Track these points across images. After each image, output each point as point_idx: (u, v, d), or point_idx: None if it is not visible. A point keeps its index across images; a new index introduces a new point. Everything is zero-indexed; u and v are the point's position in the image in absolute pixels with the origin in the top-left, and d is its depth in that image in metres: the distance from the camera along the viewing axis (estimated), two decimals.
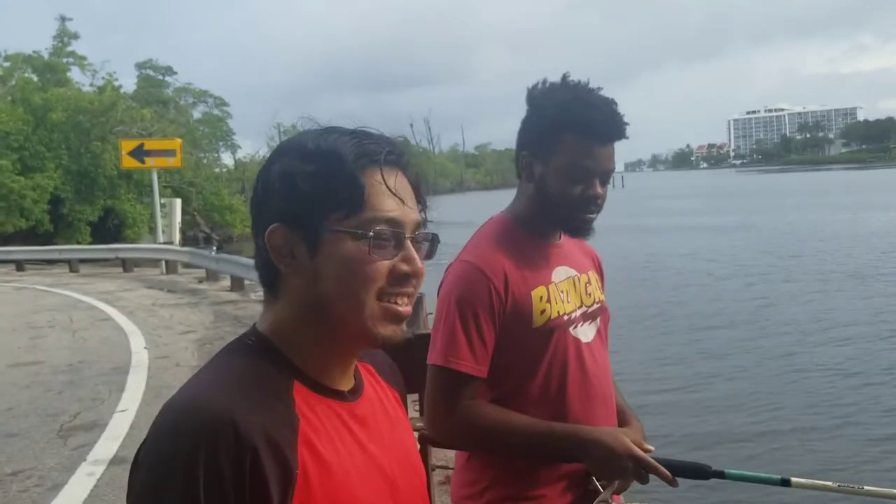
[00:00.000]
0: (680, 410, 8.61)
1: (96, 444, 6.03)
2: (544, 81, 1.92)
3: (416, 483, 1.21)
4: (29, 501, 5.01)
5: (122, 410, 6.97)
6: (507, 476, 1.89)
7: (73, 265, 22.27)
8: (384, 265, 1.05)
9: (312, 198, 1.05)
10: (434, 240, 1.14)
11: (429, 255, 1.14)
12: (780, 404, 8.71)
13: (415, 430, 2.14)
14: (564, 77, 1.90)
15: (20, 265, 23.31)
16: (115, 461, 5.57)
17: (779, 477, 1.79)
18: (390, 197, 1.06)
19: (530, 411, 1.85)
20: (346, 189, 1.04)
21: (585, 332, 1.98)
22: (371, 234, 1.04)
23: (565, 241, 2.02)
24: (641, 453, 1.80)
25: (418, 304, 8.31)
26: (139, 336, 10.80)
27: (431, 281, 1.98)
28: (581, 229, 1.94)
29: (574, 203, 1.87)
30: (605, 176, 1.90)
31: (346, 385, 1.13)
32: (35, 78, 34.20)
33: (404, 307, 1.08)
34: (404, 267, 1.07)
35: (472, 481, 1.94)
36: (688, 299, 15.83)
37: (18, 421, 6.87)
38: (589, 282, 2.05)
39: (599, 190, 1.89)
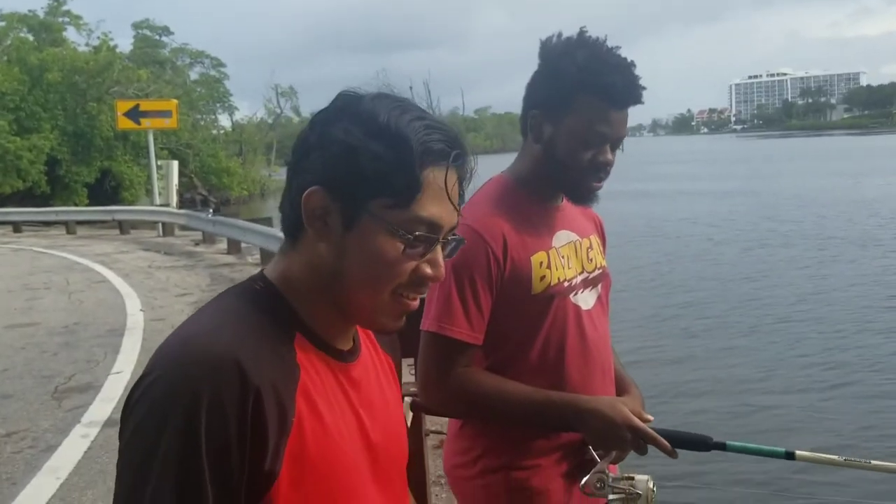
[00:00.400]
0: (676, 378, 8.60)
1: (91, 405, 6.03)
2: (559, 35, 1.82)
3: (397, 454, 1.20)
4: (23, 463, 5.01)
5: (117, 372, 6.95)
6: (502, 445, 1.85)
7: (70, 227, 22.21)
8: (410, 265, 1.04)
9: (367, 177, 1.01)
10: (460, 242, 1.12)
11: (450, 254, 1.12)
12: (778, 371, 8.71)
13: (408, 394, 2.10)
14: (582, 33, 1.81)
15: (17, 226, 23.25)
16: (109, 423, 5.56)
17: (783, 450, 1.74)
18: (443, 202, 1.04)
19: (527, 380, 1.80)
20: (404, 182, 1.01)
21: (586, 299, 1.92)
22: (411, 236, 1.02)
23: (567, 204, 1.95)
24: (640, 424, 1.75)
25: None
26: (135, 298, 10.77)
27: None
28: (587, 197, 1.87)
29: (584, 169, 1.80)
30: (617, 142, 1.83)
31: (345, 345, 1.13)
32: (31, 38, 33.87)
33: (413, 303, 1.08)
34: (428, 270, 1.06)
35: (464, 449, 1.91)
36: (685, 265, 15.81)
37: (13, 382, 6.86)
38: (591, 247, 1.98)
39: (610, 156, 1.81)
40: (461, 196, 1.10)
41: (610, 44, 1.80)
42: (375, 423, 1.13)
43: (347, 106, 1.05)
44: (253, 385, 0.95)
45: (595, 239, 2.02)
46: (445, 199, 1.04)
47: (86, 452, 5.10)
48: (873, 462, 1.75)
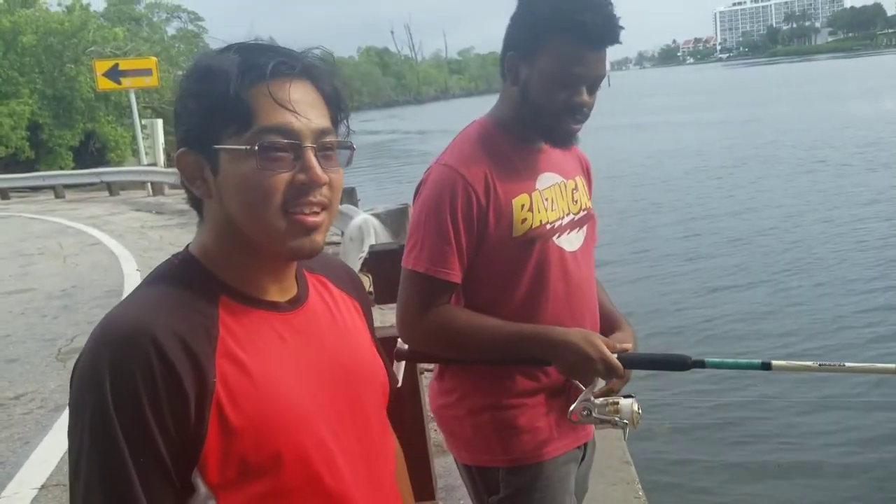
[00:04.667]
0: (659, 301, 8.79)
1: None
2: None
3: (366, 389, 1.22)
4: (33, 422, 5.13)
5: None
6: (485, 384, 1.89)
7: (58, 191, 22.03)
8: (281, 178, 1.05)
9: (204, 119, 1.06)
10: (348, 147, 1.13)
11: (347, 163, 1.13)
12: (761, 284, 8.94)
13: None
14: None
15: (4, 193, 23.05)
16: None
17: (759, 361, 1.76)
18: (279, 109, 1.05)
19: (510, 320, 1.82)
20: (233, 106, 1.04)
21: (570, 241, 1.92)
22: (256, 147, 1.03)
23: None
24: (609, 355, 1.77)
25: (403, 214, 8.29)
26: (130, 259, 10.79)
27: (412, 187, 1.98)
28: (564, 139, 1.87)
29: (559, 110, 1.79)
30: (594, 82, 1.81)
31: (282, 296, 1.15)
32: (1, 0, 33.14)
33: (312, 217, 1.08)
34: (301, 177, 1.06)
35: (449, 390, 1.95)
36: (671, 196, 15.89)
37: (16, 347, 6.95)
38: (576, 188, 1.98)
39: (587, 97, 1.79)
40: (336, 106, 1.12)
41: None
42: (332, 362, 1.16)
43: (187, 69, 1.12)
44: (162, 352, 0.98)
45: (581, 180, 2.02)
46: (283, 109, 1.05)
47: None
48: (847, 364, 1.78)
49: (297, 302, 1.17)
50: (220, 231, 1.11)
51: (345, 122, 1.15)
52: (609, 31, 1.77)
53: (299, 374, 1.11)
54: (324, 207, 1.09)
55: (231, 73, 1.04)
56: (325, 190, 1.08)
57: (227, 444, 1.02)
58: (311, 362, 1.14)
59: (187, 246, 1.16)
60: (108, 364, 0.98)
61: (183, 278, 1.10)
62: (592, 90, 1.82)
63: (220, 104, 1.04)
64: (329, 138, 1.10)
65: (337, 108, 1.13)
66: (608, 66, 2.13)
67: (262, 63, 1.05)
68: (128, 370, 0.97)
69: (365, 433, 1.19)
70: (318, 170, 1.06)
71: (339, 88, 1.13)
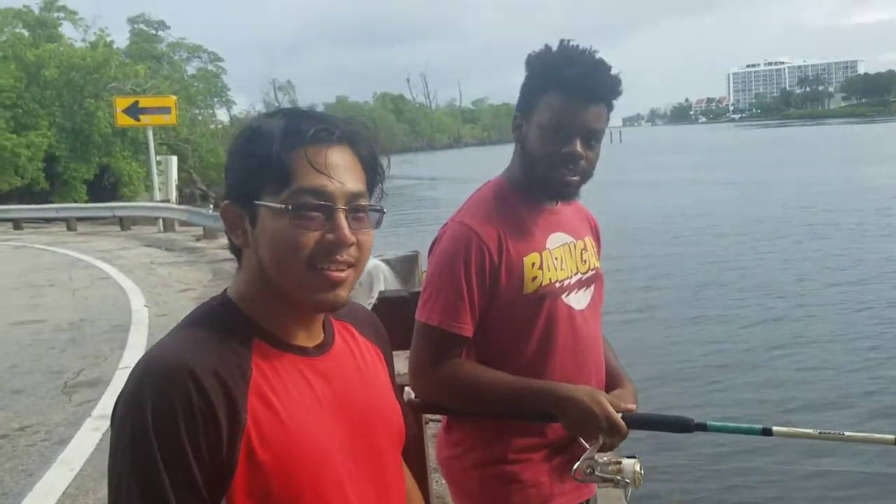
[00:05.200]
0: (664, 360, 8.77)
1: (100, 399, 6.15)
2: (544, 46, 1.91)
3: (382, 434, 1.28)
4: (37, 455, 5.13)
5: (125, 367, 7.05)
6: (493, 438, 1.92)
7: (70, 223, 22.25)
8: (312, 235, 1.13)
9: (248, 176, 1.16)
10: (379, 210, 1.21)
11: (377, 224, 1.21)
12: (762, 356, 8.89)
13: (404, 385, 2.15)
14: (561, 41, 1.88)
15: (17, 224, 23.28)
16: None
17: (760, 427, 1.80)
18: (315, 172, 1.13)
19: (519, 376, 1.86)
20: (274, 167, 1.13)
21: (579, 300, 1.98)
22: (290, 206, 1.12)
23: (562, 207, 2.01)
24: (614, 413, 1.80)
25: (413, 261, 8.33)
26: (139, 294, 10.88)
27: (426, 240, 2.04)
28: (560, 191, 1.91)
29: (552, 162, 1.85)
30: (589, 135, 1.86)
31: (310, 342, 1.23)
32: (26, 34, 33.79)
33: (337, 273, 1.15)
34: (330, 236, 1.14)
35: (457, 442, 1.98)
36: (679, 254, 15.92)
37: (23, 378, 6.98)
38: (585, 248, 2.04)
39: (579, 149, 1.84)
40: (372, 171, 1.21)
41: (597, 44, 1.86)
42: (354, 408, 1.23)
43: (239, 129, 1.22)
44: (200, 387, 1.06)
45: (590, 240, 2.08)
46: (318, 173, 1.13)
47: (98, 444, 5.20)
48: (847, 433, 1.80)
49: (323, 347, 1.24)
50: (254, 278, 1.19)
51: (380, 185, 1.23)
52: (597, 84, 1.84)
53: (323, 416, 1.18)
54: (350, 265, 1.17)
55: (274, 136, 1.14)
56: (352, 250, 1.16)
57: (254, 478, 1.09)
58: (334, 406, 1.20)
59: (225, 290, 1.24)
60: (150, 395, 1.05)
61: (221, 320, 1.17)
62: (589, 143, 1.87)
63: (263, 164, 1.13)
64: (361, 201, 1.18)
65: (374, 172, 1.22)
66: (620, 122, 2.18)
67: (303, 129, 1.14)
68: (169, 401, 1.05)
69: (379, 476, 1.25)
70: (347, 231, 1.14)
71: (377, 154, 1.22)
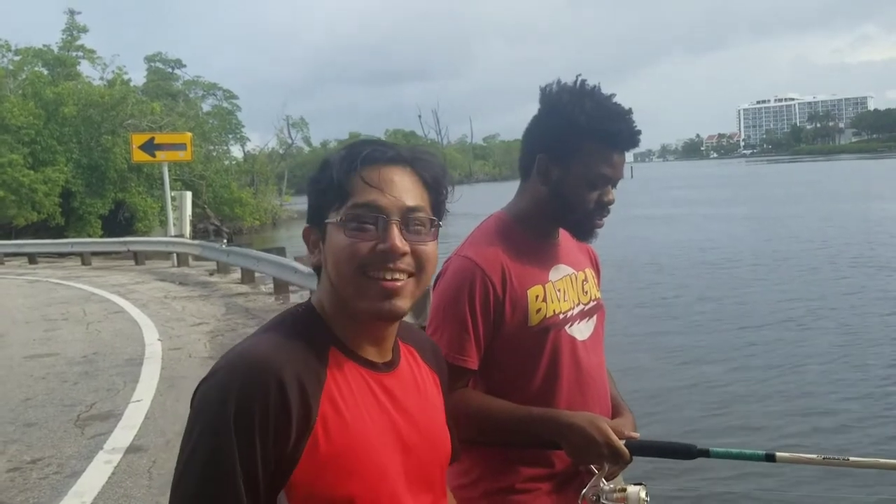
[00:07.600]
0: (669, 387, 8.72)
1: (113, 432, 6.17)
2: (559, 83, 1.96)
3: (433, 457, 1.35)
4: (49, 488, 5.15)
5: (137, 401, 7.09)
6: (501, 468, 1.94)
7: (85, 258, 22.43)
8: (365, 245, 1.23)
9: (317, 200, 1.30)
10: (432, 223, 1.29)
11: (434, 235, 1.29)
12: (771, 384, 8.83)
13: None
14: (582, 82, 1.94)
15: (32, 258, 23.50)
16: (131, 449, 5.71)
17: (763, 452, 1.82)
18: (368, 188, 1.24)
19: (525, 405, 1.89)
20: (337, 188, 1.25)
21: (581, 330, 2.01)
22: (346, 218, 1.24)
23: (563, 240, 2.06)
24: (616, 440, 1.83)
25: (424, 295, 8.39)
26: (152, 328, 10.93)
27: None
28: (590, 234, 2.01)
29: (590, 209, 1.94)
30: (617, 182, 1.98)
31: (380, 358, 1.31)
32: (45, 72, 34.39)
33: (391, 282, 1.24)
34: (382, 246, 1.23)
35: (465, 471, 1.99)
36: (687, 287, 15.88)
37: (36, 411, 7.02)
38: (586, 279, 2.08)
39: (613, 196, 1.96)
40: (433, 188, 1.30)
41: (609, 83, 1.96)
42: (411, 427, 1.30)
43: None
44: (279, 385, 1.15)
45: (590, 272, 2.13)
46: (371, 188, 1.24)
47: (110, 478, 5.23)
48: (851, 458, 1.80)
49: (391, 365, 1.33)
50: (328, 291, 1.29)
51: (443, 204, 1.33)
52: (634, 137, 1.95)
53: (384, 430, 1.25)
54: (410, 274, 1.25)
55: (335, 162, 1.28)
56: (407, 259, 1.24)
57: (314, 474, 1.17)
58: (394, 422, 1.28)
59: (309, 297, 1.36)
60: (236, 390, 1.15)
61: (305, 325, 1.28)
62: (614, 187, 1.98)
63: (327, 188, 1.27)
64: (419, 214, 1.27)
65: (437, 193, 1.32)
66: (631, 158, 2.28)
67: (359, 152, 1.27)
68: (251, 400, 1.14)
69: (426, 497, 1.32)
70: (398, 240, 1.23)
71: (440, 177, 1.32)
